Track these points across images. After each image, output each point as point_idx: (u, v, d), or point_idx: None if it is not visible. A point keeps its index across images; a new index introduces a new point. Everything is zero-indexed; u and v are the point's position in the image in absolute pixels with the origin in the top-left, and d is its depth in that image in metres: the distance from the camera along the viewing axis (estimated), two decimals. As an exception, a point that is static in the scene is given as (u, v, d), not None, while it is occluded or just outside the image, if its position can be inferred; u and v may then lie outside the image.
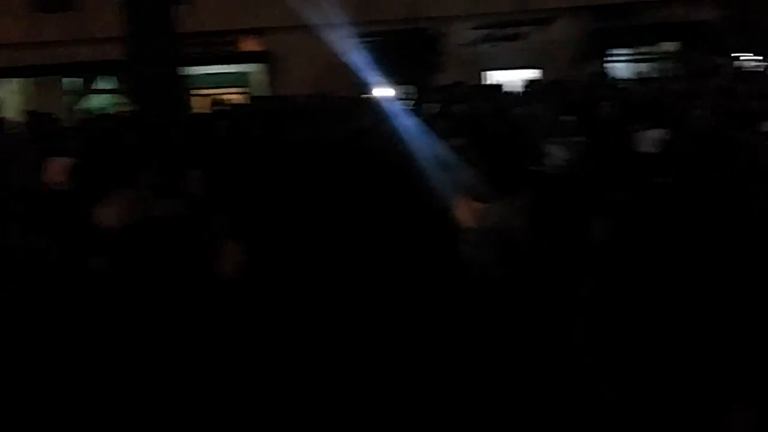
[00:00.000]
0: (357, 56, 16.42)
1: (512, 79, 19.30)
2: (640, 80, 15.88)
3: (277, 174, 7.27)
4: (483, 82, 20.99)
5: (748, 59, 20.16)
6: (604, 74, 20.38)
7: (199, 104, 15.87)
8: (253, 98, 19.61)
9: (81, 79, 24.66)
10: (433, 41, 22.51)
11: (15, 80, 24.29)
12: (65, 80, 24.83)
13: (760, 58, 20.28)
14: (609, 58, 22.62)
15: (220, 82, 23.35)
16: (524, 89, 14.55)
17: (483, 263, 4.89)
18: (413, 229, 6.21)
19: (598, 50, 22.27)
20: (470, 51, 22.80)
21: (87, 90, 24.78)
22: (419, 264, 5.71)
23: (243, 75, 24.48)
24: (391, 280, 5.29)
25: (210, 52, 22.28)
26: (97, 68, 22.91)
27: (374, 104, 12.25)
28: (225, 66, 24.14)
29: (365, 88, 15.64)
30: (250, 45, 24.01)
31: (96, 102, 23.35)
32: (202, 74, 21.29)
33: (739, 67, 18.35)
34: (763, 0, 21.06)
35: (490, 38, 23.25)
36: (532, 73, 20.68)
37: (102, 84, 24.52)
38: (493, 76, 21.86)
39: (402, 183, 7.02)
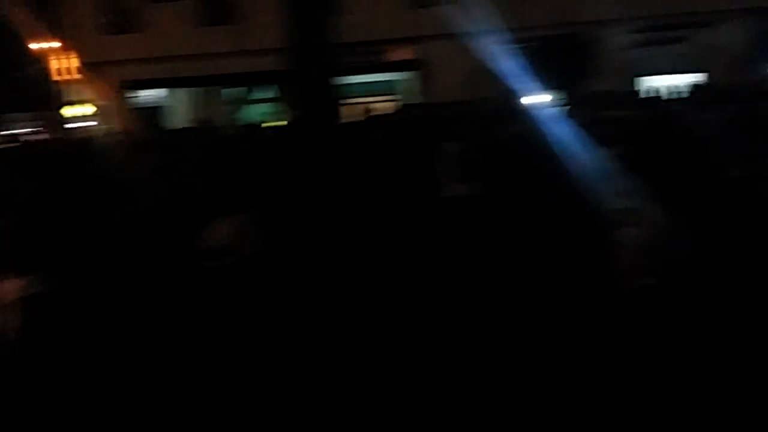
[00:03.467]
0: (508, 62, 16.27)
1: (668, 83, 18.57)
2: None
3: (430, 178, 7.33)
4: (637, 88, 20.30)
5: None
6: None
7: (351, 113, 16.22)
8: (405, 106, 19.83)
9: (241, 89, 25.86)
10: (585, 46, 21.94)
11: (180, 90, 25.88)
12: (225, 91, 26.14)
13: None
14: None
15: (371, 90, 23.80)
16: (688, 95, 13.88)
17: (638, 270, 4.76)
18: (564, 231, 6.09)
19: (766, 53, 20.94)
20: (624, 56, 22.07)
21: (246, 100, 25.94)
22: (568, 268, 5.60)
23: (393, 83, 24.86)
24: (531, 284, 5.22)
25: (362, 61, 22.73)
26: (256, 79, 23.92)
27: (526, 110, 12.09)
28: (376, 75, 24.58)
29: (516, 94, 15.46)
30: (401, 53, 24.33)
31: (254, 111, 24.44)
32: (354, 83, 21.80)
33: None
34: None
35: (647, 42, 22.40)
36: (691, 78, 19.74)
37: (260, 94, 25.58)
38: (648, 82, 21.11)
39: (555, 189, 6.89)
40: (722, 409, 3.07)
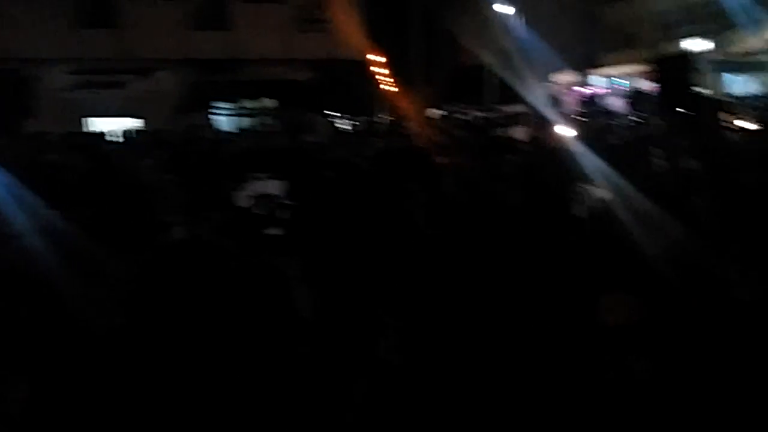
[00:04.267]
0: None
1: (115, 127, 18.76)
2: (240, 133, 16.45)
3: None
4: (84, 129, 20.06)
5: (337, 117, 22.18)
6: (206, 126, 20.83)
7: None
8: None
9: None
10: (25, 84, 20.81)
11: None
12: None
13: (348, 116, 22.49)
14: (212, 111, 23.18)
15: None
16: (124, 139, 14.13)
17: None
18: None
19: (201, 102, 22.67)
20: (69, 97, 21.60)
21: None
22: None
23: None
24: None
25: None
26: None
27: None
28: None
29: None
30: None
31: None
32: None
33: (331, 123, 20.06)
34: (350, 65, 23.47)
35: (90, 84, 22.33)
36: (134, 123, 20.28)
37: None
38: (95, 123, 21.02)
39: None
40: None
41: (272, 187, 7.75)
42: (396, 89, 24.70)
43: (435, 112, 19.50)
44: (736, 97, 17.89)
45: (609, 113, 17.41)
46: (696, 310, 2.75)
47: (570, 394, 2.57)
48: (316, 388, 2.83)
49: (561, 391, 2.57)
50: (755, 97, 17.20)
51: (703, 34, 22.67)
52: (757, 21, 20.95)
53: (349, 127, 19.42)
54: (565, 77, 27.94)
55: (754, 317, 2.88)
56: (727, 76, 21.39)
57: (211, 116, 23.04)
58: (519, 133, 11.69)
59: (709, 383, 2.66)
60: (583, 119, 14.76)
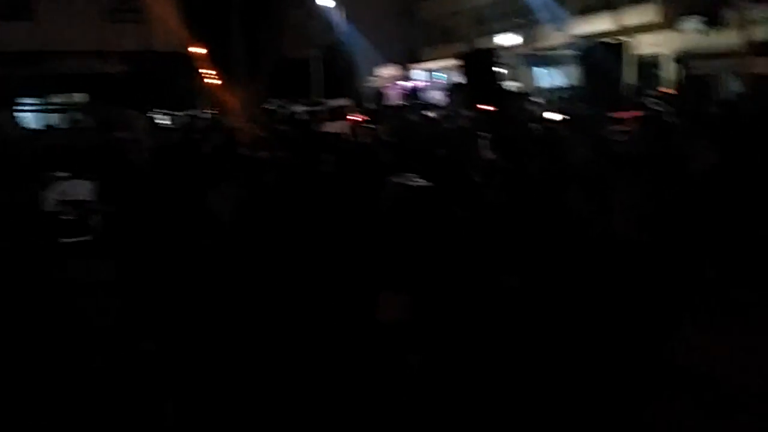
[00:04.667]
0: None
1: None
2: (47, 130, 15.44)
3: None
4: None
5: (162, 113, 21.33)
6: (8, 123, 19.23)
7: None
8: None
9: None
10: None
11: None
12: None
13: (168, 111, 21.69)
14: (15, 107, 21.41)
15: None
16: None
17: None
18: None
19: (2, 98, 20.91)
20: None
21: None
22: None
23: None
24: None
25: None
26: None
27: None
28: None
29: None
30: None
31: None
32: None
33: (149, 118, 19.25)
34: (169, 57, 22.66)
35: None
36: None
37: None
38: None
39: None
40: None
41: (82, 188, 7.28)
42: (219, 83, 24.17)
43: (261, 106, 19.26)
44: (542, 90, 19.01)
45: (428, 106, 17.93)
46: (468, 303, 2.87)
47: (350, 388, 2.62)
48: (116, 391, 2.73)
49: (342, 385, 2.62)
50: (559, 89, 18.33)
51: (514, 29, 23.90)
52: (561, 18, 22.36)
53: (169, 123, 18.78)
54: (388, 71, 28.53)
55: (524, 304, 3.05)
56: (534, 70, 22.68)
57: (14, 113, 21.38)
58: (341, 126, 11.79)
59: (481, 374, 2.79)
60: (403, 112, 15.11)
